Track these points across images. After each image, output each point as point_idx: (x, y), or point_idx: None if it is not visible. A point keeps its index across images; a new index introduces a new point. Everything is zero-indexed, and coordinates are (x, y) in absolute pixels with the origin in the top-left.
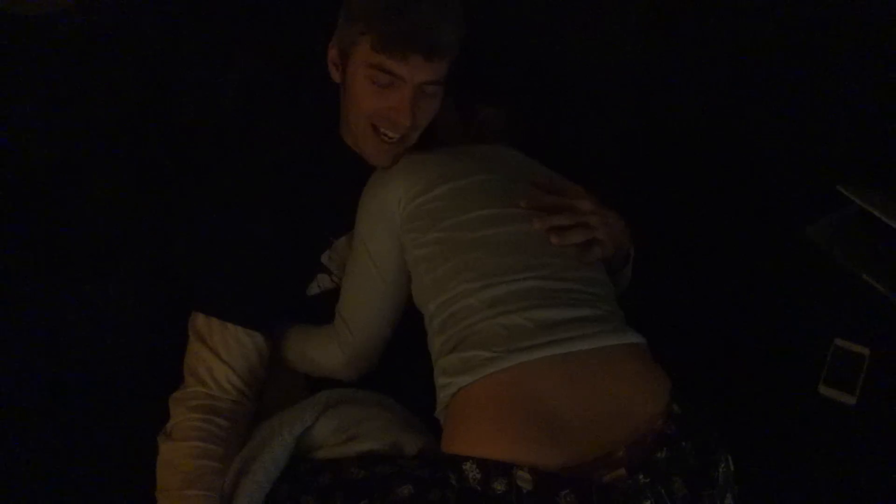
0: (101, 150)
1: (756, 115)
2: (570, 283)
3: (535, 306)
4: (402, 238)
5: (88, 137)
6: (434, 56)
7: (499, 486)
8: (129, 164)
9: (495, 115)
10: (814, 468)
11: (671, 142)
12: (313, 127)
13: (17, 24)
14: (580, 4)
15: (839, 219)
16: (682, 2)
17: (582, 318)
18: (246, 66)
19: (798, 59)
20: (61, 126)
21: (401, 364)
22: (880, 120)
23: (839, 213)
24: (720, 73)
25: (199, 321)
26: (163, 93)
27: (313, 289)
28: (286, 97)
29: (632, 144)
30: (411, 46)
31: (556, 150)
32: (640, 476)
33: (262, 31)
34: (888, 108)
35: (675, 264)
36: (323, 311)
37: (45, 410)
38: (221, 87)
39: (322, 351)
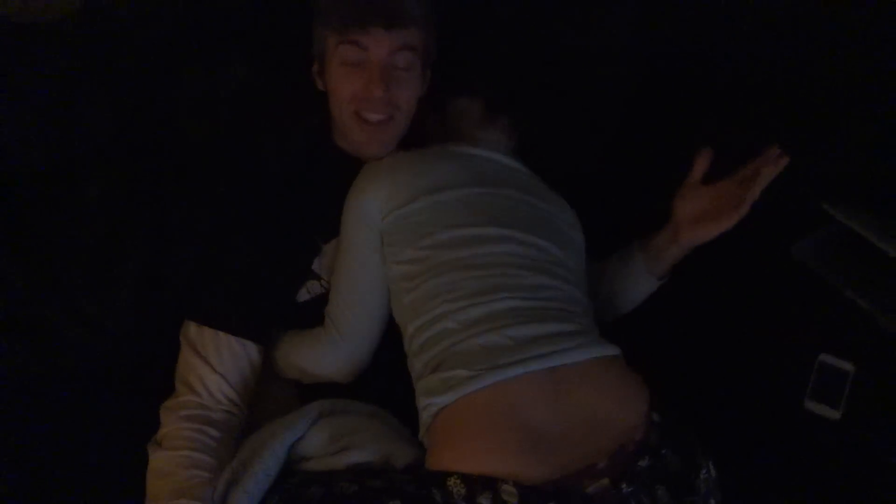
0: (93, 158)
1: (741, 132)
2: (546, 301)
3: (513, 324)
4: (384, 249)
5: (82, 145)
6: (394, 25)
7: (484, 501)
8: (123, 173)
9: (469, 106)
10: (798, 481)
11: (657, 155)
12: (307, 132)
13: (15, 31)
14: None
15: (824, 236)
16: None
17: (559, 334)
18: (242, 73)
19: (783, 75)
20: (56, 133)
21: (393, 375)
22: (865, 138)
23: (824, 231)
24: (706, 88)
25: (192, 330)
26: (158, 100)
27: (303, 295)
28: (281, 103)
29: (618, 152)
30: (369, 18)
31: (538, 152)
32: (624, 485)
33: (258, 38)
34: (873, 126)
35: None
36: (314, 316)
37: (35, 418)
38: (217, 94)
39: (311, 353)
